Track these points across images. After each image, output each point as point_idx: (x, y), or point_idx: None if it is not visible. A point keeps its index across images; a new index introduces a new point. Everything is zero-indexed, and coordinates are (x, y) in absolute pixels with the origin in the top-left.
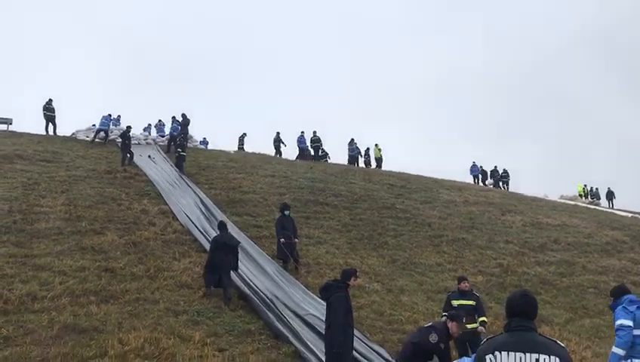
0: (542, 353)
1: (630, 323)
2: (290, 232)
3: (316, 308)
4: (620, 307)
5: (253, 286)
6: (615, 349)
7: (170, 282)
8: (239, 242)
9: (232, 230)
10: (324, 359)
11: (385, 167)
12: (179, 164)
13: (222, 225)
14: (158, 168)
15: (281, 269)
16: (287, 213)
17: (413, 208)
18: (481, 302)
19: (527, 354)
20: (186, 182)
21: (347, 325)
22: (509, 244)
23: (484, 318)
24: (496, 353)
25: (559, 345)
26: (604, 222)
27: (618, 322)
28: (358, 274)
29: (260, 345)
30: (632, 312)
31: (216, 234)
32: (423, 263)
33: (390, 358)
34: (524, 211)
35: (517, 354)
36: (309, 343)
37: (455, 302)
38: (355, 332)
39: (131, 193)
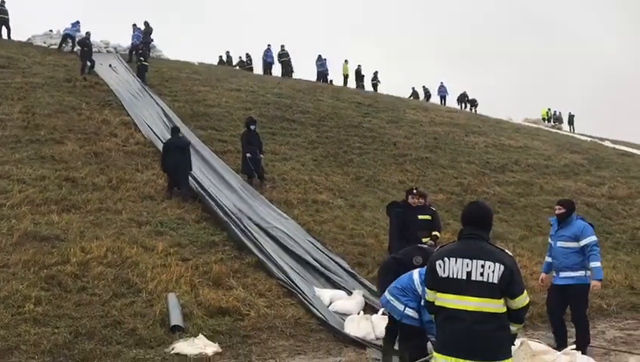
0: (487, 260)
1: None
2: (255, 147)
3: (280, 222)
4: (588, 223)
5: (218, 199)
6: (597, 263)
7: (133, 193)
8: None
9: (197, 144)
10: (284, 267)
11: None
12: (141, 74)
13: (174, 130)
14: (119, 78)
15: (245, 184)
16: (252, 127)
17: (379, 127)
18: (438, 217)
19: (474, 261)
20: (149, 94)
21: (401, 237)
22: (471, 164)
23: (436, 233)
24: (445, 259)
25: (506, 253)
26: (564, 145)
27: (591, 239)
28: (414, 192)
29: (224, 255)
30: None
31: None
32: (387, 181)
33: (350, 268)
34: (487, 133)
35: (464, 260)
36: (272, 254)
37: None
38: (317, 243)
39: (92, 103)
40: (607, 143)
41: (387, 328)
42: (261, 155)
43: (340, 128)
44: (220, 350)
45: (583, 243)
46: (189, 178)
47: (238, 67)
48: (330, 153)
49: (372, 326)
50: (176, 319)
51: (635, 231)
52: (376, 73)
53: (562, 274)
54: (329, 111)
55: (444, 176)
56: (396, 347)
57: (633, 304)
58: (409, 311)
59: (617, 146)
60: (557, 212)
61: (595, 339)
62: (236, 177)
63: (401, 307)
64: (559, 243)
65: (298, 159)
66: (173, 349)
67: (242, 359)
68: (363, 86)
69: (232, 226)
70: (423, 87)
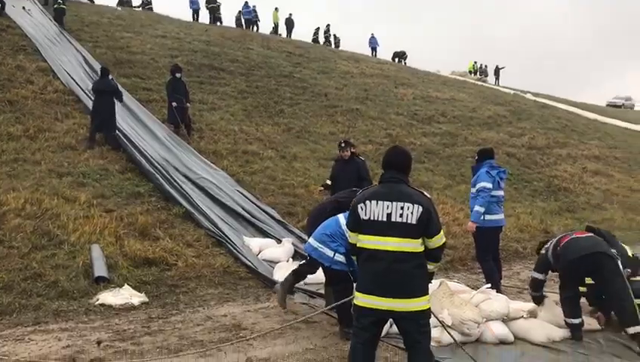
0: (407, 201)
1: (490, 185)
2: (181, 96)
3: (208, 173)
4: (485, 171)
5: (143, 150)
6: (477, 208)
7: (52, 143)
8: (116, 85)
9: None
10: (213, 217)
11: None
12: (58, 18)
13: (103, 72)
14: (34, 21)
15: (172, 134)
16: (178, 75)
17: (310, 78)
18: (366, 167)
19: (394, 203)
20: (67, 39)
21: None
22: (400, 116)
23: (364, 182)
24: (367, 202)
25: (424, 195)
26: (488, 97)
27: (481, 184)
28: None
29: (150, 206)
30: (493, 176)
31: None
32: (317, 132)
33: (280, 218)
34: (416, 85)
35: (385, 202)
36: (200, 205)
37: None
38: (247, 194)
39: (4, 47)
40: (528, 96)
41: (299, 269)
42: (188, 104)
43: (271, 78)
44: (147, 300)
45: (476, 188)
46: (115, 126)
47: (139, 8)
48: (261, 103)
49: None
50: (100, 270)
51: (551, 179)
52: (328, 26)
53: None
54: (259, 61)
55: (373, 127)
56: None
57: None
58: (339, 257)
59: (538, 99)
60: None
61: (511, 279)
62: (162, 127)
63: (330, 253)
64: (471, 190)
65: (227, 109)
66: (97, 300)
67: (170, 308)
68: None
69: (158, 177)
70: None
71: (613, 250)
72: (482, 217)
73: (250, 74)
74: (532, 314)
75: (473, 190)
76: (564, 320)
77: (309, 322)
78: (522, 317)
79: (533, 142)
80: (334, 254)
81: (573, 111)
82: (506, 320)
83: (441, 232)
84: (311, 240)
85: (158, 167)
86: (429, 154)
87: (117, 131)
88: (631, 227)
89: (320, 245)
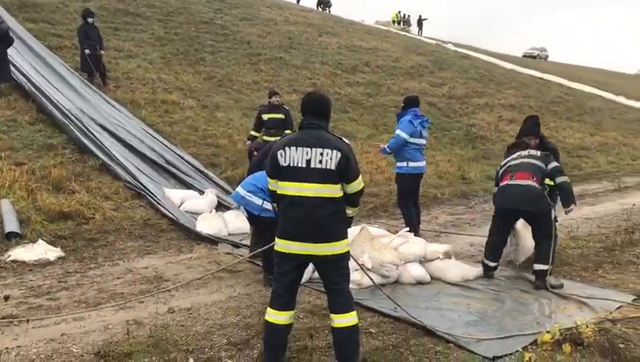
0: (326, 147)
1: (406, 136)
2: (95, 43)
3: (125, 123)
4: (408, 120)
5: (54, 99)
6: (386, 146)
7: None
8: (8, 27)
9: (28, 39)
10: (131, 169)
11: None
12: None
13: None
14: None
15: (86, 83)
16: (90, 20)
17: (232, 24)
18: (290, 116)
19: (313, 149)
20: None
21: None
22: (324, 65)
23: (289, 131)
24: (286, 148)
25: (342, 140)
26: (411, 47)
27: (397, 131)
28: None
29: (64, 159)
30: (415, 126)
31: None
32: (240, 81)
33: (203, 169)
34: (340, 34)
35: (304, 148)
36: (118, 156)
37: (265, 116)
38: (167, 144)
39: None
40: (449, 46)
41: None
42: (102, 51)
43: (191, 24)
44: (63, 254)
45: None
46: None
47: None
48: (180, 51)
49: (224, 223)
50: (11, 225)
51: (470, 127)
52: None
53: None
54: (177, 6)
55: (297, 76)
56: None
57: (463, 192)
58: (267, 205)
59: (458, 49)
60: None
61: (429, 224)
62: (75, 75)
63: (259, 201)
64: None
65: (144, 57)
66: (9, 256)
67: (88, 262)
68: None
69: (73, 128)
70: None
71: (539, 201)
72: (407, 163)
73: (169, 20)
74: (447, 255)
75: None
76: (482, 260)
77: (233, 271)
78: (438, 258)
79: (453, 92)
80: (263, 202)
81: (492, 62)
82: (423, 261)
83: (360, 178)
84: (239, 188)
85: (72, 117)
86: (353, 104)
87: (24, 79)
88: None
89: (248, 194)
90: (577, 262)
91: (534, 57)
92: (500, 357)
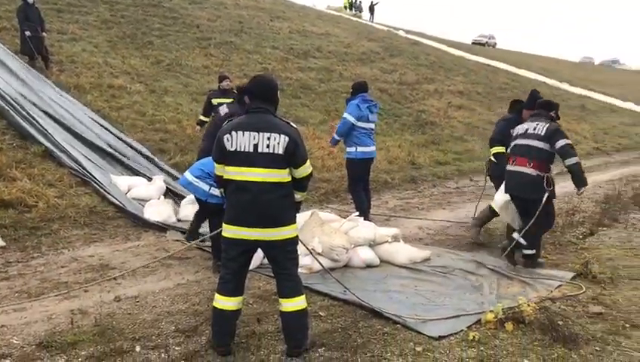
0: (273, 132)
1: (353, 119)
2: (36, 24)
3: (70, 108)
4: (356, 104)
5: None
6: (335, 135)
7: None
8: None
9: None
10: (76, 156)
11: None
12: None
13: None
14: None
15: (27, 66)
16: (30, 1)
17: (180, 7)
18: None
19: (261, 133)
20: None
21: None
22: (276, 50)
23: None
24: (233, 133)
25: (290, 125)
26: (362, 33)
27: (345, 115)
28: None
29: (4, 145)
30: (362, 111)
31: None
32: (190, 65)
33: (150, 155)
34: (291, 18)
35: (251, 133)
36: (62, 142)
37: (215, 101)
38: (114, 130)
39: None
40: (401, 33)
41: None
42: (44, 34)
43: (138, 7)
44: (4, 244)
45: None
46: None
47: None
48: (127, 34)
49: (173, 210)
50: None
51: (420, 113)
52: None
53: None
54: None
55: (248, 61)
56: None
57: (413, 177)
58: (214, 191)
59: (410, 36)
60: None
61: (379, 208)
62: (15, 59)
63: (206, 187)
64: None
65: (90, 40)
66: None
67: (30, 251)
68: None
69: (13, 113)
70: None
71: (531, 188)
72: (356, 148)
73: (115, 2)
74: (396, 239)
75: None
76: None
77: (181, 258)
78: (387, 241)
79: (404, 78)
80: (210, 188)
81: (441, 49)
82: (373, 245)
83: (308, 162)
84: (187, 173)
85: (12, 102)
86: (304, 89)
87: None
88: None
89: (196, 179)
90: None
91: (483, 45)
92: (446, 336)
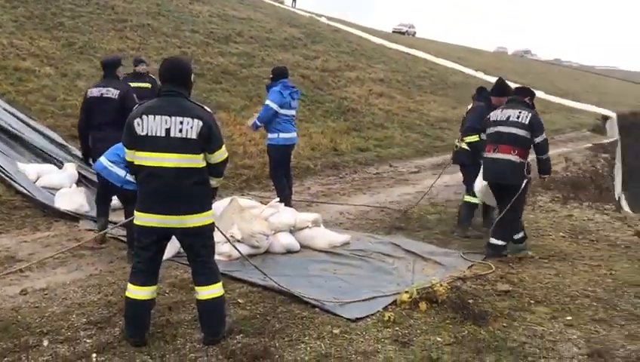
0: (186, 116)
1: (276, 106)
2: None
3: None
4: (278, 90)
5: None
6: (256, 120)
7: None
8: None
9: None
10: None
11: None
12: None
13: None
14: None
15: None
16: None
17: None
18: (156, 84)
19: (173, 117)
20: None
21: None
22: (195, 34)
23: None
24: (144, 116)
25: (204, 109)
26: (284, 19)
27: (268, 102)
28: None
29: None
30: (285, 97)
31: None
32: (104, 48)
33: (63, 141)
34: (212, 2)
35: (163, 117)
36: None
37: (130, 85)
38: (21, 115)
39: None
40: (323, 19)
41: (99, 194)
42: None
43: None
44: None
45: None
46: None
47: None
48: (35, 14)
49: (86, 199)
50: None
51: (342, 100)
52: None
53: None
54: None
55: (167, 44)
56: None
57: (335, 163)
58: (130, 177)
59: (332, 23)
60: None
61: (302, 194)
62: None
63: (122, 173)
64: None
65: None
66: None
67: None
68: None
69: None
70: None
71: (514, 174)
72: (278, 135)
73: None
74: (316, 224)
75: None
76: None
77: (94, 248)
78: (307, 227)
79: (326, 65)
80: (126, 174)
81: (363, 36)
82: (293, 230)
83: (223, 147)
84: (102, 158)
85: None
86: (225, 74)
87: None
88: (407, 143)
89: (111, 164)
90: (436, 226)
91: (403, 33)
92: (362, 318)
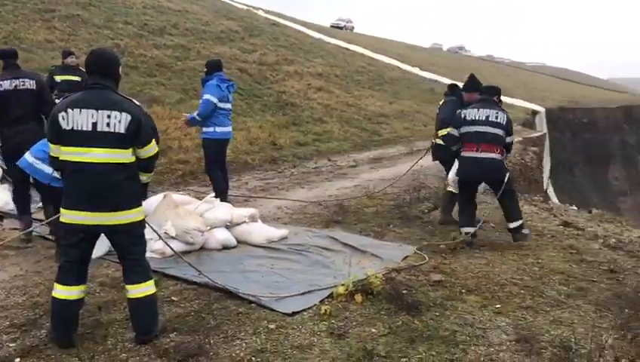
0: (114, 110)
1: (216, 100)
2: None
3: None
4: (215, 84)
5: None
6: (196, 115)
7: None
8: None
9: None
10: None
11: None
12: None
13: None
14: None
15: None
16: None
17: None
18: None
19: (100, 111)
20: None
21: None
22: (128, 25)
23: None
24: (69, 110)
25: (133, 102)
26: (221, 11)
27: (206, 96)
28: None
29: None
30: (222, 90)
31: None
32: (30, 39)
33: None
34: None
35: (89, 110)
36: None
37: (58, 78)
38: None
39: None
40: (260, 12)
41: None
42: None
43: None
44: None
45: (202, 99)
46: None
47: None
48: None
49: (10, 196)
50: None
51: (280, 94)
52: None
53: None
54: None
55: (98, 36)
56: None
57: (273, 157)
58: (57, 174)
59: (269, 16)
60: None
61: (239, 189)
62: None
63: (49, 170)
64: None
65: None
66: None
67: None
68: None
69: None
70: None
71: (498, 171)
72: (214, 129)
73: None
74: (253, 219)
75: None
76: (461, 229)
77: (19, 248)
78: (244, 222)
79: (264, 59)
80: (53, 171)
81: (301, 30)
82: (230, 226)
83: (153, 142)
84: (27, 155)
85: None
86: (160, 67)
87: None
88: (346, 138)
89: (37, 161)
90: (372, 219)
91: (341, 28)
92: (299, 312)
